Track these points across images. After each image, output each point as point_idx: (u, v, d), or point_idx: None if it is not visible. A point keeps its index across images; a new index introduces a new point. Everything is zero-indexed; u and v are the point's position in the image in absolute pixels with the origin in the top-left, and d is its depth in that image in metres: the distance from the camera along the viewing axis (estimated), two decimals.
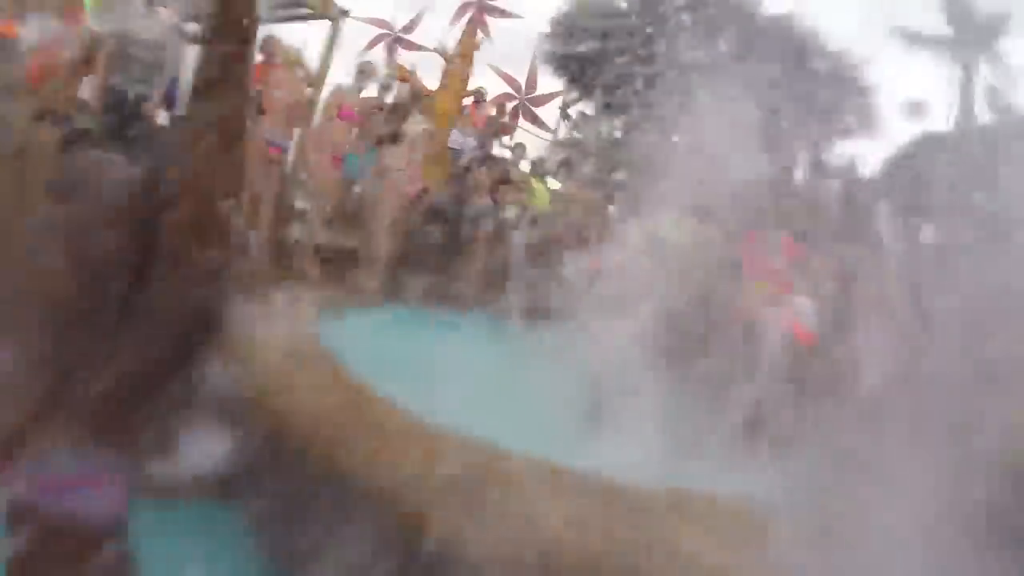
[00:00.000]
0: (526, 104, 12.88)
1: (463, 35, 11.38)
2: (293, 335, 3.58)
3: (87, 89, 5.14)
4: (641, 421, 3.46)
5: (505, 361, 4.34)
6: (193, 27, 7.02)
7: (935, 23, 15.19)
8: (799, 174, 13.55)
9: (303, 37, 7.97)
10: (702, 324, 4.85)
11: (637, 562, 1.80)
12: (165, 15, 5.95)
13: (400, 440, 2.31)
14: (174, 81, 6.38)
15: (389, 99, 6.81)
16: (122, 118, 5.05)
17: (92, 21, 5.97)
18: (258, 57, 5.94)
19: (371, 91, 6.58)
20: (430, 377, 3.57)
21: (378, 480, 2.06)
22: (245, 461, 2.89)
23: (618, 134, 13.98)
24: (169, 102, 6.85)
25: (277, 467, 2.50)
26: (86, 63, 5.02)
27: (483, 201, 6.92)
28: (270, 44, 5.86)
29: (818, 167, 13.65)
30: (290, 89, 5.76)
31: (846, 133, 13.99)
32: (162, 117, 7.27)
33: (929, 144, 13.47)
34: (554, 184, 8.75)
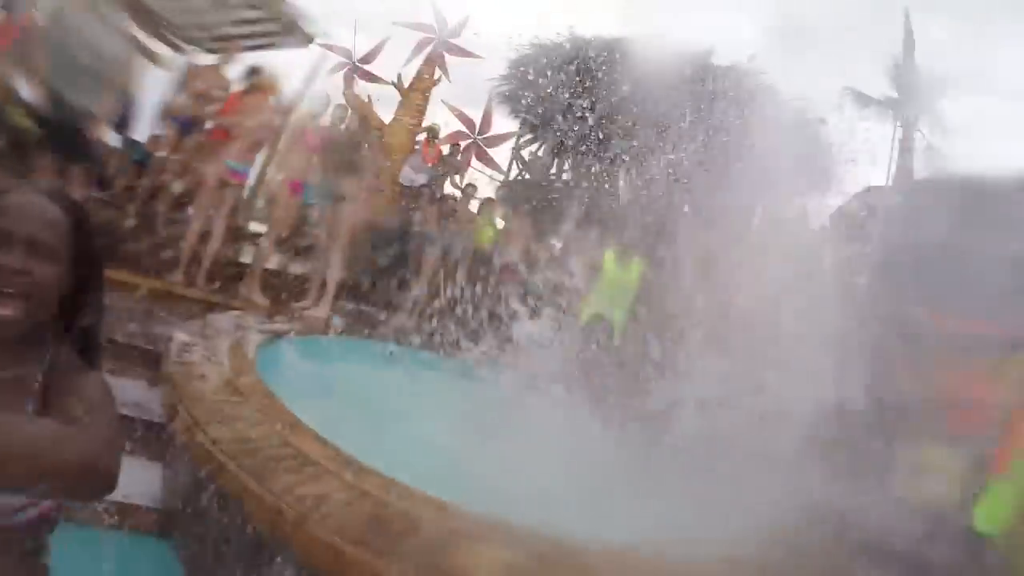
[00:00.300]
0: (479, 144, 13.12)
1: (421, 71, 11.63)
2: (232, 363, 3.62)
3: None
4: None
5: (434, 392, 4.44)
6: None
7: (883, 85, 16.45)
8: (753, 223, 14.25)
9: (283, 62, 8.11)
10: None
11: None
12: (124, 27, 5.88)
13: (319, 473, 2.36)
14: (129, 101, 6.31)
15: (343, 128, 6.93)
16: (61, 129, 4.66)
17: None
18: (240, 85, 6.04)
19: (328, 119, 6.70)
20: (364, 408, 3.69)
21: (292, 511, 2.11)
22: (174, 495, 2.93)
23: (566, 176, 14.35)
24: (121, 123, 6.59)
25: (204, 502, 2.52)
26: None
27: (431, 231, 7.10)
28: (253, 73, 5.95)
29: (771, 217, 14.35)
30: (259, 116, 5.83)
31: (800, 185, 14.73)
32: (112, 137, 7.19)
33: (873, 196, 14.36)
34: (501, 223, 8.95)
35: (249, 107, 5.85)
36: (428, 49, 12.02)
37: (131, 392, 3.83)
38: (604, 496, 3.24)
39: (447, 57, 12.15)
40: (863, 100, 16.47)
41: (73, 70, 4.76)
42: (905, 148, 15.37)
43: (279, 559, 2.06)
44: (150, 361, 4.02)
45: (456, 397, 4.63)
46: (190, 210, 5.92)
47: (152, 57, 6.37)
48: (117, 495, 2.90)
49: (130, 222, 6.02)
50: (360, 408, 3.79)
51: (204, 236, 5.64)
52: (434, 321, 5.51)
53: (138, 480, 3.08)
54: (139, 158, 6.89)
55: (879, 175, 14.77)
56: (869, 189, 15.05)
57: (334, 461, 2.49)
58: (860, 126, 16.20)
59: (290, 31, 8.04)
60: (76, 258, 1.15)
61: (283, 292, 6.02)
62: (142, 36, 6.22)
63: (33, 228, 1.08)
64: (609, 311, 5.74)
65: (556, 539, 2.11)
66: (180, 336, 4.00)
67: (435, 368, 5.18)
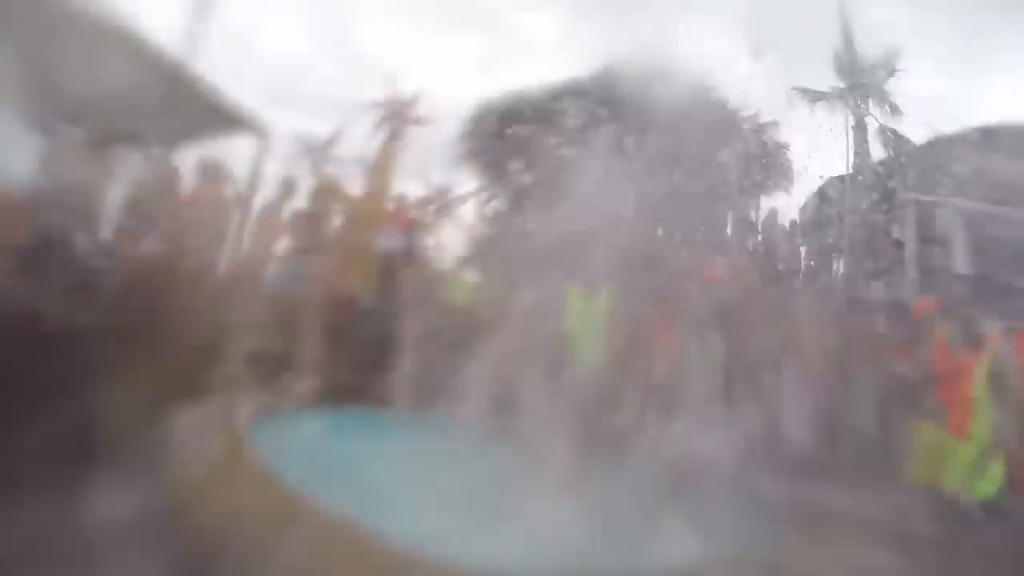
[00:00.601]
0: (444, 206, 13.41)
1: (382, 145, 11.98)
2: (223, 444, 3.70)
3: None
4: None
5: (430, 460, 4.50)
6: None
7: (828, 78, 16.95)
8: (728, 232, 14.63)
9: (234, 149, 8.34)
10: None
11: None
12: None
13: (321, 545, 2.46)
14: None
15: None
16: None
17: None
18: (193, 179, 6.24)
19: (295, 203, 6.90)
20: (359, 479, 3.77)
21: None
22: None
23: (530, 225, 14.63)
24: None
25: None
26: None
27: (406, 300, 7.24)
28: (206, 165, 6.15)
29: (743, 224, 14.74)
30: (217, 207, 6.02)
31: (765, 189, 15.22)
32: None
33: (835, 187, 14.85)
34: (472, 278, 9.12)
35: (206, 200, 6.05)
36: (386, 125, 12.39)
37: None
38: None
39: (405, 129, 12.50)
40: (812, 95, 16.98)
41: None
42: (859, 134, 15.85)
43: None
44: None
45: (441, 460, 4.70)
46: None
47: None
48: None
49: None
50: (348, 475, 3.88)
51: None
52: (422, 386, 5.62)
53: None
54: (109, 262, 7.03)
55: (840, 165, 15.24)
56: (828, 180, 15.56)
57: (329, 531, 2.58)
58: (813, 120, 16.83)
59: (238, 125, 8.26)
60: None
61: (268, 370, 6.11)
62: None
63: None
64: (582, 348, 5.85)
65: None
66: (174, 427, 4.10)
67: (427, 440, 5.24)
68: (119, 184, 5.97)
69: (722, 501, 3.79)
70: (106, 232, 7.13)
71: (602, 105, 12.36)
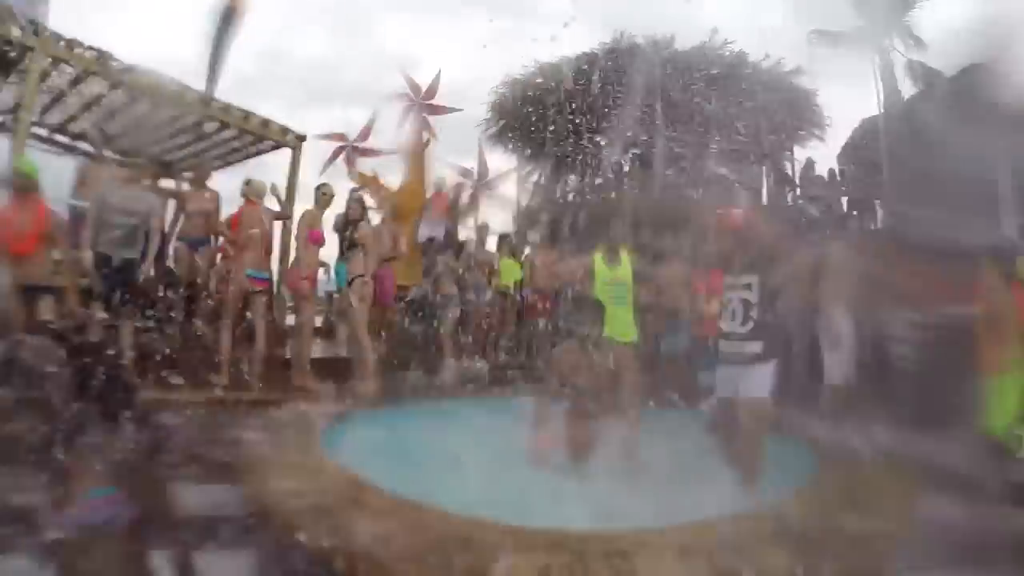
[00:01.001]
0: (481, 188, 13.56)
1: (410, 137, 12.19)
2: (298, 446, 3.98)
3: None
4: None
5: (497, 438, 4.67)
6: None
7: (847, 18, 16.20)
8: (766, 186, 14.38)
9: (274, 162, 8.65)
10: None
11: None
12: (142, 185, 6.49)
13: (393, 520, 2.69)
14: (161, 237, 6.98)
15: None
16: (111, 281, 5.51)
17: (71, 197, 6.50)
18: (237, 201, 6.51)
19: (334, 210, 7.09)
20: (430, 464, 3.97)
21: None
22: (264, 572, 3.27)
23: (571, 196, 14.65)
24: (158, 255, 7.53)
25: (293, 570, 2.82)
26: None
27: (451, 289, 7.40)
28: (247, 186, 6.42)
29: (780, 176, 14.45)
30: (261, 224, 6.28)
31: (798, 140, 14.85)
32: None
33: (870, 129, 14.36)
34: (521, 255, 9.20)
35: (250, 219, 6.34)
36: (411, 115, 12.60)
37: (212, 495, 4.26)
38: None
39: (430, 117, 12.69)
40: (833, 37, 16.31)
41: (115, 232, 5.59)
42: (887, 71, 15.20)
43: None
44: (225, 465, 4.43)
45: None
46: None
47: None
48: None
49: (176, 342, 6.51)
50: (418, 461, 4.09)
51: (249, 340, 6.07)
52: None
53: (228, 571, 3.46)
54: (173, 282, 7.43)
55: (872, 106, 14.63)
56: (863, 122, 14.98)
57: (392, 506, 2.85)
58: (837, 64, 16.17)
59: (274, 138, 8.53)
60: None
61: (332, 376, 6.39)
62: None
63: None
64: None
65: (593, 533, 2.38)
66: (248, 435, 4.42)
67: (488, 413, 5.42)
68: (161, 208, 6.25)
69: (772, 444, 3.86)
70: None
71: (623, 72, 12.23)
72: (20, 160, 5.51)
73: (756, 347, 3.78)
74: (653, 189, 13.07)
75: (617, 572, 2.25)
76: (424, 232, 9.54)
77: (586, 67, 12.50)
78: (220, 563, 3.64)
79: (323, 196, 6.68)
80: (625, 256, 5.23)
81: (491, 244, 9.11)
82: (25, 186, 5.19)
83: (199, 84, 7.77)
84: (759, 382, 3.78)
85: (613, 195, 13.49)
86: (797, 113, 14.15)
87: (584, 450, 4.19)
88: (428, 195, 10.75)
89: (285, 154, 8.72)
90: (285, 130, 8.56)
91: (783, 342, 3.89)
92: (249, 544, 3.70)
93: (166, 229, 6.94)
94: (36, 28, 6.58)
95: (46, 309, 5.07)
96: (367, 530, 2.61)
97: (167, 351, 6.20)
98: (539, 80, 12.90)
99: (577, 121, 13.01)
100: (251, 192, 6.43)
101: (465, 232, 10.30)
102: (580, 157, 14.13)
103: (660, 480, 3.62)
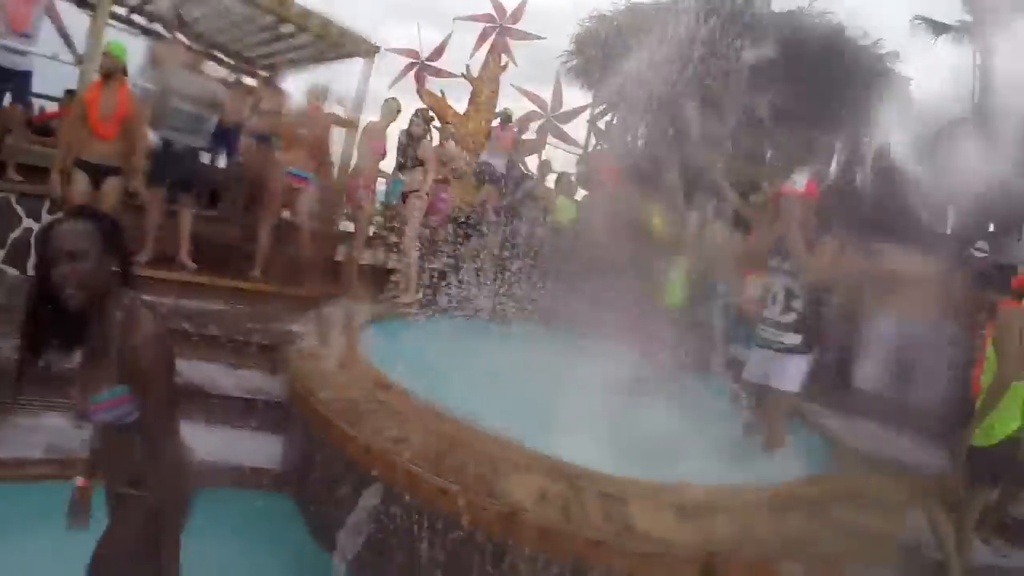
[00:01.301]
0: (552, 122, 13.36)
1: (487, 60, 12.04)
2: (339, 343, 4.18)
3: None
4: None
5: (520, 364, 4.80)
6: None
7: (954, 11, 15.28)
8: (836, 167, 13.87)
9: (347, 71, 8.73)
10: None
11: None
12: (209, 70, 6.64)
13: (401, 419, 2.85)
14: (228, 131, 7.19)
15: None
16: (172, 167, 5.73)
17: (139, 77, 6.67)
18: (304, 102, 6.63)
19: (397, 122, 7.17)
20: (454, 376, 4.12)
21: (378, 447, 2.59)
22: (292, 455, 3.54)
23: (641, 142, 14.36)
24: (229, 149, 7.87)
25: (317, 456, 3.08)
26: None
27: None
28: (309, 89, 6.54)
29: (856, 159, 13.89)
30: (314, 126, 6.43)
31: (882, 125, 14.21)
32: (221, 161, 8.14)
33: (956, 128, 13.64)
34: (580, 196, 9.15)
35: (302, 118, 6.47)
36: (491, 38, 12.41)
37: (253, 379, 4.52)
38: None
39: (511, 42, 12.48)
40: (937, 27, 15.40)
41: (173, 116, 5.71)
42: (985, 75, 14.33)
43: (370, 486, 2.55)
44: (269, 352, 4.68)
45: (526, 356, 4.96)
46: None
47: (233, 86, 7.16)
48: (246, 461, 3.63)
49: (235, 232, 6.77)
50: (444, 370, 4.25)
51: (292, 237, 6.29)
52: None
53: (262, 449, 3.86)
54: (238, 174, 7.67)
55: (962, 106, 13.85)
56: (950, 122, 14.20)
57: (414, 409, 3.00)
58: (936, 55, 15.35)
59: (349, 47, 8.57)
60: (106, 249, 1.77)
61: (377, 283, 6.60)
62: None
63: (71, 243, 1.70)
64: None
65: (592, 472, 2.47)
66: (295, 327, 4.65)
67: (524, 344, 5.54)
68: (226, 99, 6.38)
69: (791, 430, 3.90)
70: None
71: (710, 16, 11.79)
72: (109, 43, 5.63)
73: (795, 339, 3.78)
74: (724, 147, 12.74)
75: (608, 512, 2.34)
76: (486, 160, 9.53)
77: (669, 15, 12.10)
78: (251, 442, 3.96)
79: (389, 110, 6.77)
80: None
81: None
82: (112, 67, 5.28)
83: None
84: (791, 374, 3.78)
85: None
86: (885, 95, 13.51)
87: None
88: (495, 123, 10.69)
89: (358, 63, 8.77)
90: (360, 40, 8.59)
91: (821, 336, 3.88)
92: (280, 429, 4.00)
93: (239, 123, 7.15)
94: None
95: (111, 189, 5.30)
96: (389, 428, 2.77)
97: (224, 242, 6.49)
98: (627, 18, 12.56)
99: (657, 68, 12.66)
100: (311, 95, 6.55)
101: (526, 166, 10.26)
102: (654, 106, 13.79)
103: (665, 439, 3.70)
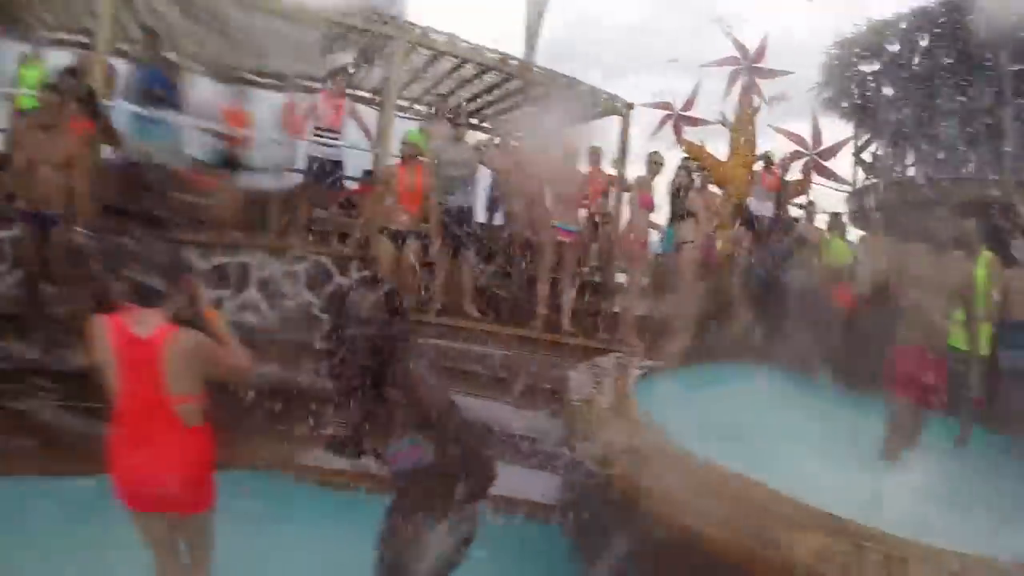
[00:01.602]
0: (816, 159, 12.69)
1: (740, 103, 11.81)
2: (615, 393, 4.29)
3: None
4: None
5: (795, 413, 4.56)
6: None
7: None
8: None
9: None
10: None
11: None
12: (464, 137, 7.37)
13: (679, 468, 2.87)
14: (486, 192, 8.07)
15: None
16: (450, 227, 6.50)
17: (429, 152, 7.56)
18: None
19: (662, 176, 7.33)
20: (731, 429, 4.03)
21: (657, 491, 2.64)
22: (568, 492, 3.72)
23: (911, 172, 13.11)
24: (490, 209, 8.75)
25: (593, 497, 3.24)
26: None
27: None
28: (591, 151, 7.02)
29: None
30: (578, 184, 6.90)
31: None
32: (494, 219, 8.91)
33: None
34: (853, 236, 8.59)
35: (567, 176, 6.89)
36: (739, 80, 12.20)
37: (535, 421, 4.84)
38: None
39: (759, 82, 12.16)
40: None
41: (451, 182, 6.55)
42: None
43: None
44: (549, 397, 4.98)
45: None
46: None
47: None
48: (525, 496, 3.96)
49: (514, 287, 7.31)
50: (720, 422, 4.17)
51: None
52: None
53: (539, 485, 4.27)
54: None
55: None
56: None
57: (693, 461, 2.97)
58: None
59: (614, 103, 8.93)
60: (390, 313, 2.04)
61: (651, 333, 6.68)
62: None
63: (362, 311, 2.00)
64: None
65: (876, 532, 2.28)
66: (574, 375, 4.87)
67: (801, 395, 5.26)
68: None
69: None
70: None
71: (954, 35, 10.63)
72: (408, 131, 6.63)
73: None
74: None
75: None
76: (754, 206, 9.27)
77: (918, 26, 11.09)
78: (530, 479, 4.23)
79: (653, 163, 6.96)
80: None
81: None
82: (412, 153, 6.24)
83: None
84: None
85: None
86: None
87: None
88: (757, 167, 10.40)
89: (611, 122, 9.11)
90: (613, 97, 8.92)
91: None
92: (558, 468, 4.22)
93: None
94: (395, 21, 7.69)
95: (409, 251, 6.17)
96: (668, 478, 2.79)
97: (502, 294, 7.05)
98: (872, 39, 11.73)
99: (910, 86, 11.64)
100: (591, 157, 6.99)
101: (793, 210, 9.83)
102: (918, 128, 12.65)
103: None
